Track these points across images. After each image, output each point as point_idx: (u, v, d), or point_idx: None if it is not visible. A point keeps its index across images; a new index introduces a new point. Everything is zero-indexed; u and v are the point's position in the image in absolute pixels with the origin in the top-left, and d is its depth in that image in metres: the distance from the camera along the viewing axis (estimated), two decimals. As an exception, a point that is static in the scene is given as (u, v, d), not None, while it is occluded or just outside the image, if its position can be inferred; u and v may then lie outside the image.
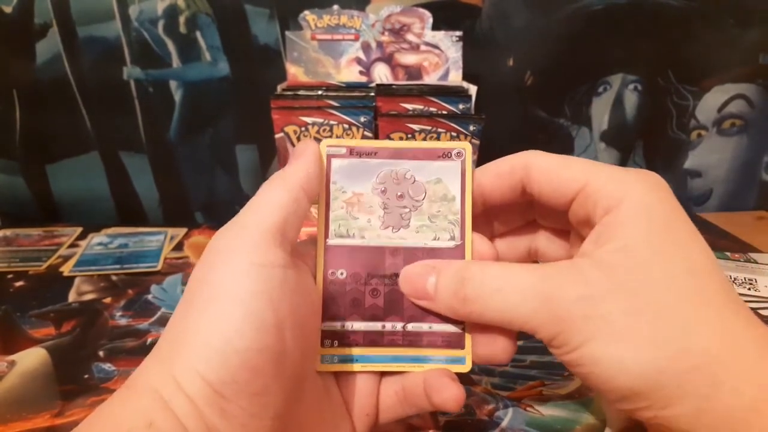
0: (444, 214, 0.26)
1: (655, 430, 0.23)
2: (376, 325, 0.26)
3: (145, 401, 0.20)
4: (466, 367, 0.26)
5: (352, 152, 0.26)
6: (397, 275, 0.26)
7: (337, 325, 0.26)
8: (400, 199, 0.26)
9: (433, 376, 0.26)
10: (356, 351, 0.26)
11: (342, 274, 0.26)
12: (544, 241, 0.29)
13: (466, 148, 0.26)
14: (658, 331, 0.22)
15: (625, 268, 0.23)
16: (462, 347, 0.26)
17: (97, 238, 0.56)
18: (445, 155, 0.26)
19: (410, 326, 0.26)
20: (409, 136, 0.46)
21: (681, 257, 0.23)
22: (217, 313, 0.21)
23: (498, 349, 0.26)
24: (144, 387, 0.21)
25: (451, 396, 0.25)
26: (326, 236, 0.26)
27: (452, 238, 0.26)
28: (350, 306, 0.26)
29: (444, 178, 0.26)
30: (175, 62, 0.57)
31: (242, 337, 0.21)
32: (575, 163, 0.25)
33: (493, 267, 0.25)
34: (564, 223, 0.27)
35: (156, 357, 0.22)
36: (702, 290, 0.22)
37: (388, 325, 0.26)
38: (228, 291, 0.22)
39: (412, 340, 0.26)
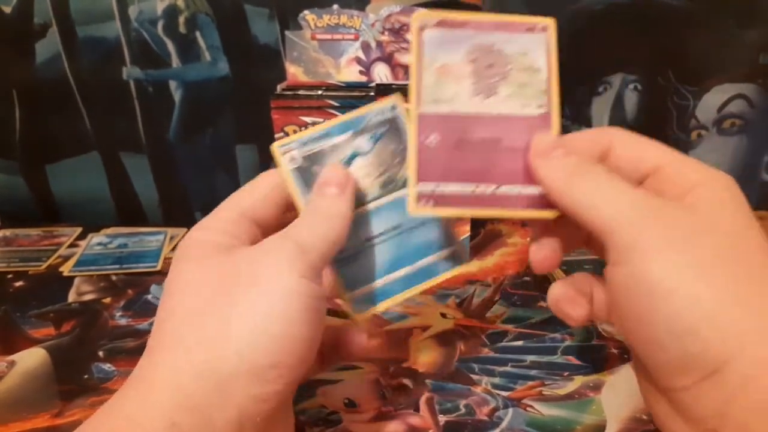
0: (531, 84, 0.27)
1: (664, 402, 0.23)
2: (468, 187, 0.26)
3: (165, 397, 0.21)
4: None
5: (443, 24, 0.27)
6: (487, 140, 0.27)
7: (431, 186, 0.26)
8: (488, 69, 0.27)
9: None
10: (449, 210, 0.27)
11: (434, 139, 0.26)
12: None
13: (549, 23, 0.27)
14: (739, 281, 0.21)
15: (710, 220, 0.23)
16: (551, 208, 0.26)
17: (96, 238, 0.56)
18: (531, 29, 0.27)
19: (502, 189, 0.26)
20: (409, 135, 0.46)
21: (756, 236, 0.23)
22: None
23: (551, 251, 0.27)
24: (164, 382, 0.21)
25: None
26: (418, 104, 0.27)
27: (540, 107, 0.27)
28: (443, 169, 0.26)
29: (530, 49, 0.27)
30: (175, 62, 0.57)
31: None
32: (657, 144, 0.26)
33: (609, 171, 0.25)
34: None
35: (177, 348, 0.22)
36: (757, 265, 0.22)
37: (481, 187, 0.26)
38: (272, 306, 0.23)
39: (503, 202, 0.26)
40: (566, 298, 0.27)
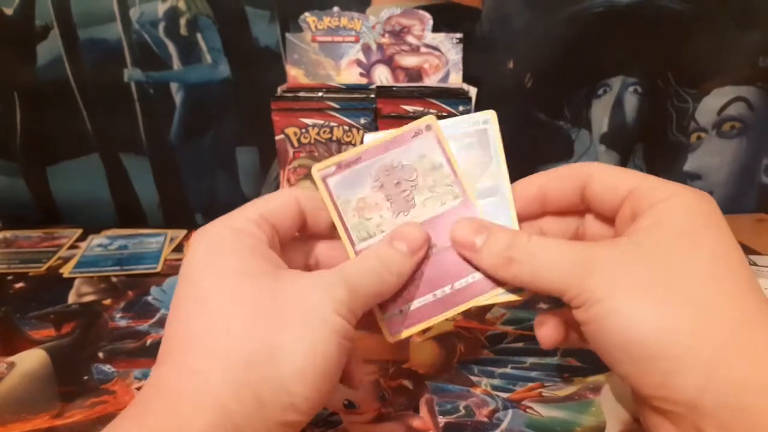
0: (439, 181, 0.29)
1: (655, 415, 0.24)
2: (427, 297, 0.28)
3: (202, 413, 0.21)
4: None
5: (341, 166, 0.28)
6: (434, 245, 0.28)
7: (396, 311, 0.28)
8: (398, 186, 0.28)
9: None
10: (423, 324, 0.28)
11: None
12: (591, 226, 0.31)
13: (431, 121, 0.29)
14: (675, 295, 0.23)
15: (655, 240, 0.25)
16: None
17: (96, 240, 0.56)
18: (417, 133, 0.29)
19: (457, 285, 0.28)
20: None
21: (710, 244, 0.24)
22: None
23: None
24: (201, 397, 0.21)
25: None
26: (353, 245, 0.28)
27: (456, 197, 0.29)
28: (399, 292, 0.28)
29: (426, 151, 0.29)
30: (176, 64, 0.57)
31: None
32: (633, 172, 0.28)
33: (537, 237, 0.27)
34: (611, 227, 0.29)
35: (218, 363, 0.22)
36: (721, 275, 0.24)
37: (438, 291, 0.28)
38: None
39: (467, 295, 0.28)
40: (551, 326, 0.29)
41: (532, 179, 0.30)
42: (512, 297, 0.28)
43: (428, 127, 0.29)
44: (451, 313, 0.28)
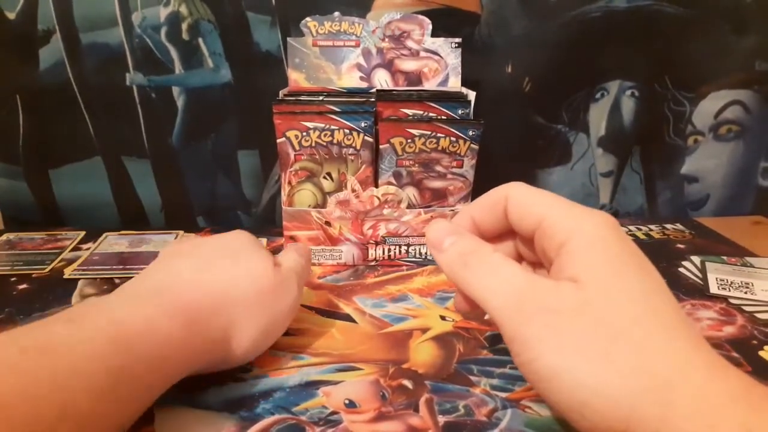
0: None
1: None
2: None
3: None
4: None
5: None
6: None
7: None
8: None
9: None
10: None
11: None
12: (521, 247, 0.32)
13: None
14: (612, 349, 0.23)
15: (582, 294, 0.24)
16: None
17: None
18: None
19: None
20: (409, 140, 0.47)
21: (633, 282, 0.24)
22: None
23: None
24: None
25: None
26: None
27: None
28: None
29: None
30: (178, 68, 0.58)
31: None
32: (541, 198, 0.28)
33: (500, 255, 0.27)
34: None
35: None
36: (654, 313, 0.24)
37: None
38: None
39: None
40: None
41: (464, 210, 0.32)
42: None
43: None
44: None
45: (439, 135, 0.46)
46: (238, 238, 0.36)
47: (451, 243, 0.29)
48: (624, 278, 0.24)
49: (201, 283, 0.32)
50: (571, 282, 0.25)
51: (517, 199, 0.29)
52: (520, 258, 0.32)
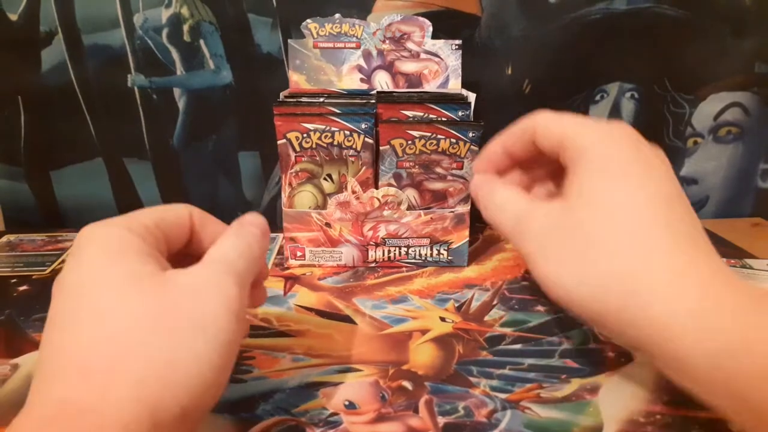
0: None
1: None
2: None
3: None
4: None
5: None
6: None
7: None
8: None
9: None
10: None
11: None
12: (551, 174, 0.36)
13: None
14: (588, 254, 0.27)
15: (577, 208, 0.28)
16: None
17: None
18: None
19: None
20: (409, 142, 0.47)
21: (627, 194, 0.27)
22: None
23: None
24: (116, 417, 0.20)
25: None
26: None
27: None
28: None
29: None
30: (179, 70, 0.58)
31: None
32: (562, 119, 0.31)
33: (501, 183, 0.34)
34: None
35: (123, 377, 0.21)
36: (639, 220, 0.26)
37: None
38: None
39: None
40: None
41: (496, 140, 0.35)
42: None
43: None
44: None
45: (439, 137, 0.47)
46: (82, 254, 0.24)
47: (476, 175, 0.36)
48: (616, 191, 0.27)
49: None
50: (562, 200, 0.29)
51: (542, 122, 0.31)
52: (553, 185, 0.36)
